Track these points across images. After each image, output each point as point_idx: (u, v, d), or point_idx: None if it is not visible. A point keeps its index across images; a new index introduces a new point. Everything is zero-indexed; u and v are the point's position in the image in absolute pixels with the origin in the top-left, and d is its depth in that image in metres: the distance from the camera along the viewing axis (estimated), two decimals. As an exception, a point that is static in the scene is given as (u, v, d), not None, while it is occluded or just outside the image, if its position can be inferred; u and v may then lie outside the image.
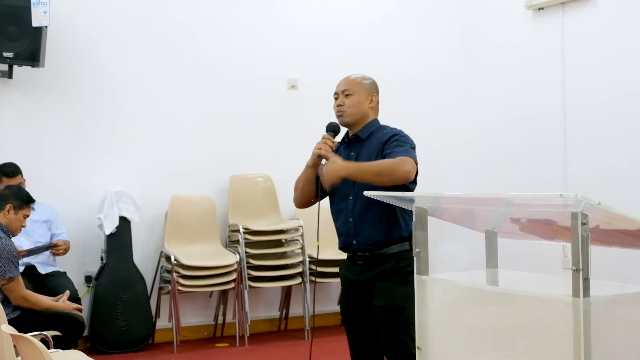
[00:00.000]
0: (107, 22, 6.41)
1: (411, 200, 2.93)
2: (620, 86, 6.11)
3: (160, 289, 6.34)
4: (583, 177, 6.30)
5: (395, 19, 7.36)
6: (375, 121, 3.65)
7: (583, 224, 2.19)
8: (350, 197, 3.52)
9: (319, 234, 3.66)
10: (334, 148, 3.59)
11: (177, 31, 6.62)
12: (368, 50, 7.11)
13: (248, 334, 6.33)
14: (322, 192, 3.63)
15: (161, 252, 6.36)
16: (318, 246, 3.78)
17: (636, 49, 6.04)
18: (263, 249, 6.49)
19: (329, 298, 7.00)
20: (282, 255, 6.60)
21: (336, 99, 3.64)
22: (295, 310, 6.77)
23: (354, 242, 3.53)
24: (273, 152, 6.86)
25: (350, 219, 3.53)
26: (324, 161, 3.54)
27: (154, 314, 6.30)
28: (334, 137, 3.62)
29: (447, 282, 2.89)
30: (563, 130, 6.57)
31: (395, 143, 3.45)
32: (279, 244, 6.62)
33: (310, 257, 6.51)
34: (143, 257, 6.33)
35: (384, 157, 3.44)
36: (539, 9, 6.76)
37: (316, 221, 6.96)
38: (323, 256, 6.57)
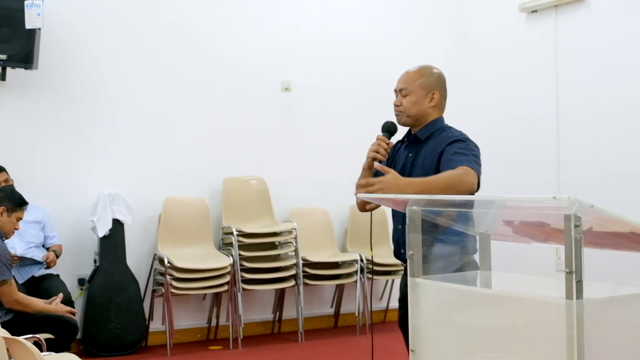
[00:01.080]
0: (101, 23, 6.39)
1: (404, 203, 2.92)
2: (614, 88, 6.13)
3: (154, 291, 6.33)
4: (578, 179, 6.31)
5: (389, 21, 7.36)
6: (438, 121, 3.40)
7: (576, 226, 2.19)
8: None
9: (372, 244, 3.48)
10: (391, 148, 3.36)
11: (171, 32, 6.60)
12: (362, 52, 7.12)
13: (241, 337, 6.31)
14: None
15: (154, 254, 6.34)
16: (372, 256, 3.61)
17: (629, 51, 6.06)
18: (256, 251, 6.47)
19: (322, 301, 7.00)
20: (276, 258, 6.59)
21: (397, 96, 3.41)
22: (288, 312, 6.76)
23: (402, 251, 3.28)
24: (266, 155, 6.86)
25: (400, 226, 3.32)
26: (375, 163, 3.28)
27: (147, 316, 6.29)
28: (389, 138, 3.35)
29: (440, 285, 2.88)
30: (557, 132, 6.58)
31: (455, 149, 3.20)
32: (272, 246, 6.60)
33: (304, 260, 6.51)
34: (136, 260, 6.32)
35: (439, 163, 3.21)
36: (532, 12, 6.78)
37: (311, 224, 6.90)
38: (316, 259, 6.59)
